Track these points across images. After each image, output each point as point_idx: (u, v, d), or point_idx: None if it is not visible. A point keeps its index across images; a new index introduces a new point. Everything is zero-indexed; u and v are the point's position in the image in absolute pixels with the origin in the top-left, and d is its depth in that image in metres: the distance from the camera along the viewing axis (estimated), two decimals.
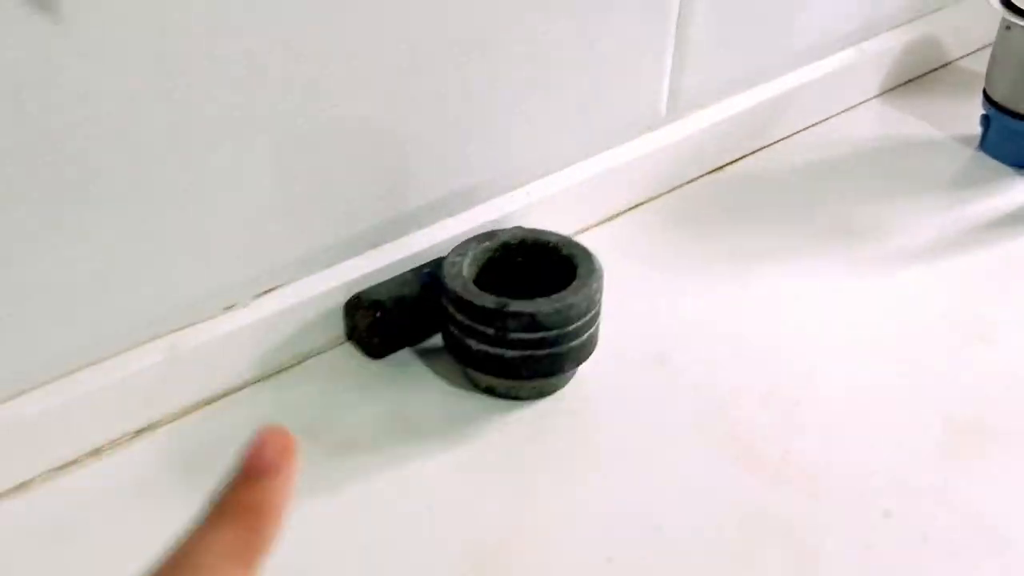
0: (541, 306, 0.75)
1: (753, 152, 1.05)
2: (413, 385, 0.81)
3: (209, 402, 0.78)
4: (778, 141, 1.07)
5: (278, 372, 0.81)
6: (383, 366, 0.82)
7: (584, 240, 0.83)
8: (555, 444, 0.77)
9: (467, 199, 0.87)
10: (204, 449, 0.75)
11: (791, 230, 0.97)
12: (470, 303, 0.75)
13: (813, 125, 1.09)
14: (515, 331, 0.75)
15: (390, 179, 0.81)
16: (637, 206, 0.98)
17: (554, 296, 0.75)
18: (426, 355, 0.83)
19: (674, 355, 0.84)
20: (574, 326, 0.76)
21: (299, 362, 0.82)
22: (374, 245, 0.83)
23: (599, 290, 0.77)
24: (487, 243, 0.81)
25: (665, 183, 0.98)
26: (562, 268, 0.79)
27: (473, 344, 0.77)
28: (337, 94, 0.75)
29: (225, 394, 0.79)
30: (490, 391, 0.80)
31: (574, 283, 0.77)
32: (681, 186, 1.00)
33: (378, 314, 0.81)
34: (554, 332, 0.75)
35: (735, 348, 0.84)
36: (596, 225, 0.97)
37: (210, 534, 0.30)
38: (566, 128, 0.90)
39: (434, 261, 0.84)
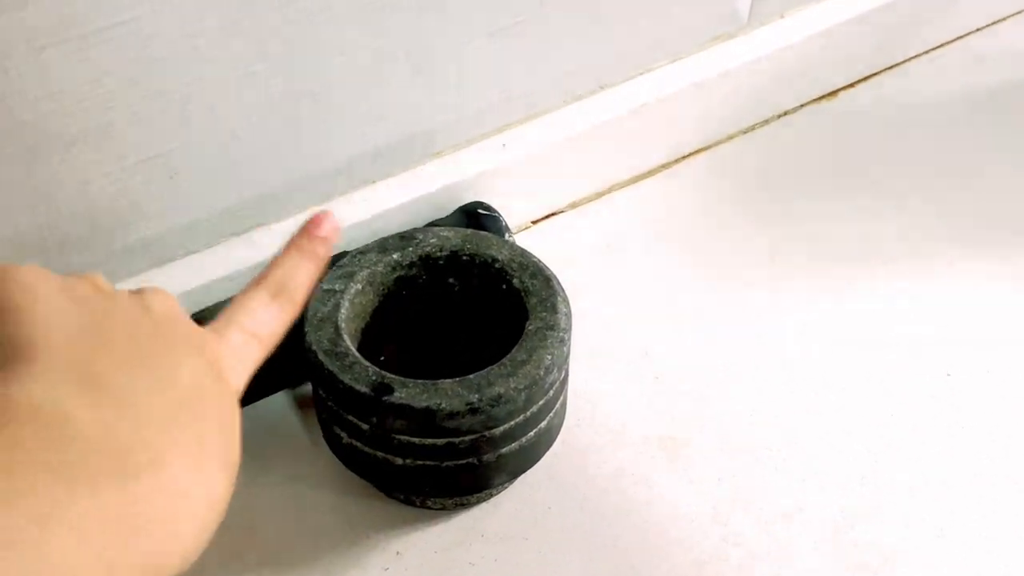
0: (444, 396, 0.44)
1: (880, 71, 0.74)
2: (273, 461, 0.52)
3: None
4: (922, 54, 0.76)
5: None
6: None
7: (594, 213, 0.58)
8: None
9: (397, 156, 0.56)
10: None
11: (926, 206, 0.63)
12: (332, 378, 0.45)
13: (986, 26, 0.76)
14: (401, 433, 0.45)
15: (270, 119, 0.51)
16: (691, 155, 0.66)
17: (469, 378, 0.45)
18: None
19: (694, 441, 0.52)
20: (503, 428, 0.45)
21: None
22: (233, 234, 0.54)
23: (556, 363, 0.46)
24: (395, 255, 0.50)
25: (740, 118, 0.71)
26: (512, 306, 0.48)
27: (344, 437, 0.47)
28: None
29: None
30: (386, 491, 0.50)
31: (513, 351, 0.46)
32: (764, 123, 0.69)
33: None
34: (468, 438, 0.45)
35: (801, 432, 0.53)
36: (617, 188, 0.64)
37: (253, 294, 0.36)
38: (574, 38, 0.59)
39: (335, 257, 0.53)
